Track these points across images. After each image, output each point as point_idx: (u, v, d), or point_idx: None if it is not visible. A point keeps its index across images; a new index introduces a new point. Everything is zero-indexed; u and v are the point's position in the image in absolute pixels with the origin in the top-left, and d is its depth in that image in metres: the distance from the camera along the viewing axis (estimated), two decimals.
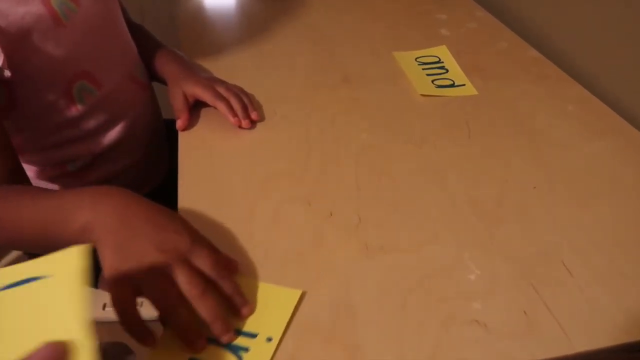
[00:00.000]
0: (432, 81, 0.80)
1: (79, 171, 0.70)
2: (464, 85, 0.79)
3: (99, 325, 0.78)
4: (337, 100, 0.75)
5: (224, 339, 0.43)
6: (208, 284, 0.43)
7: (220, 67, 0.82)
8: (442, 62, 0.85)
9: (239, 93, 0.69)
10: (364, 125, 0.70)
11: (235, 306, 0.44)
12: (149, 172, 0.80)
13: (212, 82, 0.69)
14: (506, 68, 0.85)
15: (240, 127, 0.67)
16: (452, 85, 0.79)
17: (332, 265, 0.50)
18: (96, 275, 0.73)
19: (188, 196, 0.57)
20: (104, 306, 0.76)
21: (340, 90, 0.78)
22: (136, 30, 0.78)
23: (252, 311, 0.45)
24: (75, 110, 0.63)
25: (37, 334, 0.28)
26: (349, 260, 0.51)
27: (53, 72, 0.59)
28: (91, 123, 0.67)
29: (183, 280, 0.42)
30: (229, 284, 0.44)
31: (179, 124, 0.66)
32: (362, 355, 0.43)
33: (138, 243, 0.42)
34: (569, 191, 0.60)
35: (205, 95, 0.67)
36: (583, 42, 0.86)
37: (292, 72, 0.82)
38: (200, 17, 1.00)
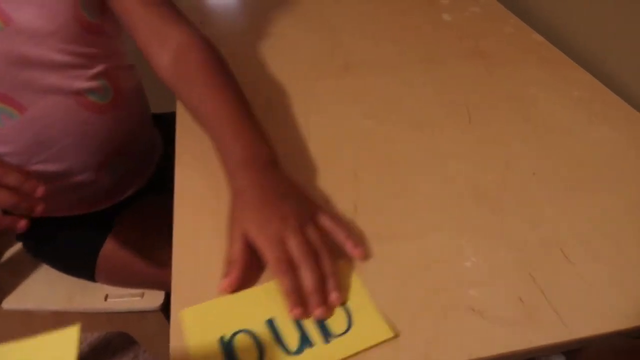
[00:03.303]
0: None
1: None
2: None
3: (101, 316, 0.79)
4: (338, 87, 0.74)
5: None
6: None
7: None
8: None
9: (321, 254, 0.45)
10: (363, 113, 0.69)
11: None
12: (128, 179, 0.76)
13: (284, 223, 0.45)
14: (510, 53, 0.83)
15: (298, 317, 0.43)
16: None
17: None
18: (92, 267, 0.73)
19: (185, 186, 0.57)
20: (106, 297, 0.77)
21: (341, 77, 0.77)
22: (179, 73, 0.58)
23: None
24: None
25: None
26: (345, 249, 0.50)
27: None
28: (12, 147, 0.62)
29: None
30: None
31: (225, 283, 0.44)
32: None
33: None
34: (572, 177, 0.59)
35: (264, 250, 0.44)
36: (588, 26, 0.84)
37: (294, 58, 0.81)
38: (200, 4, 0.99)
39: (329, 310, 0.43)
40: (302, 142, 0.64)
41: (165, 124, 0.85)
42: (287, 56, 0.81)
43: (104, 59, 0.65)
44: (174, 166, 0.60)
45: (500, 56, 0.82)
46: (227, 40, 0.86)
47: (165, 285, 0.74)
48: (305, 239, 0.45)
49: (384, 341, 0.41)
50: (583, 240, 0.51)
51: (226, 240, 0.48)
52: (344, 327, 0.42)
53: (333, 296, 0.43)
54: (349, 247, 0.47)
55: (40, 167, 0.64)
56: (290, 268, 0.43)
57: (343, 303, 0.44)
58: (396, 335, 0.42)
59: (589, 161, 0.61)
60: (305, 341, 0.41)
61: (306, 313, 0.42)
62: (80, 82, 0.62)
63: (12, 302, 0.77)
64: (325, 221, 0.48)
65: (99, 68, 0.64)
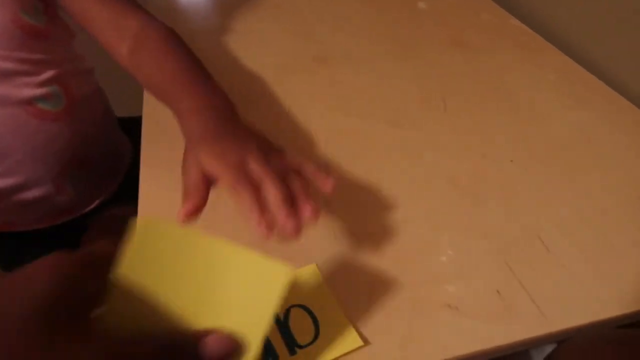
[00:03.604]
0: None
1: None
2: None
3: None
4: (311, 81, 0.72)
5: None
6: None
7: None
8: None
9: (290, 176, 0.40)
10: (337, 106, 0.67)
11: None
12: (92, 189, 0.74)
13: (243, 153, 0.41)
14: (486, 40, 0.81)
15: (268, 233, 0.36)
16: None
17: (299, 253, 0.48)
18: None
19: (150, 189, 0.55)
20: None
21: (315, 71, 0.75)
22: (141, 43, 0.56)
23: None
24: None
25: (225, 307, 0.30)
26: (317, 246, 0.48)
27: None
28: None
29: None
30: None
31: (181, 213, 0.38)
32: None
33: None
34: (551, 163, 0.57)
35: (221, 173, 0.39)
36: (566, 9, 0.83)
37: (266, 52, 0.79)
38: (170, 1, 0.96)
39: (301, 227, 0.36)
40: (274, 138, 0.61)
41: (136, 128, 0.82)
42: (260, 51, 0.79)
43: (53, 64, 0.62)
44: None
45: (477, 43, 0.81)
46: (199, 37, 0.84)
47: None
48: (269, 163, 0.40)
49: (353, 350, 0.39)
50: (562, 228, 0.49)
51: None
52: (311, 337, 0.40)
53: (307, 210, 0.37)
54: (319, 180, 0.41)
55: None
56: (252, 186, 0.37)
57: (309, 311, 0.42)
58: (365, 344, 0.40)
59: (568, 146, 0.60)
60: (269, 353, 0.39)
61: (273, 231, 0.36)
62: (28, 90, 0.59)
63: None
64: (293, 158, 0.43)
65: (48, 74, 0.61)
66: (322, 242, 0.48)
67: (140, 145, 0.62)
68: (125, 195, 0.76)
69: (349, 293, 0.44)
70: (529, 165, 0.57)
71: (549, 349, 0.77)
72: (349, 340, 0.40)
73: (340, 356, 0.39)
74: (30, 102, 0.59)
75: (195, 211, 0.39)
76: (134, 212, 0.56)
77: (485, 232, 0.49)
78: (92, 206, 0.73)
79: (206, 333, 0.28)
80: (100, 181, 0.74)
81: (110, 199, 0.75)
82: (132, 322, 0.28)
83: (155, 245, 0.30)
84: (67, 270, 0.27)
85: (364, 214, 0.51)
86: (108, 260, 0.29)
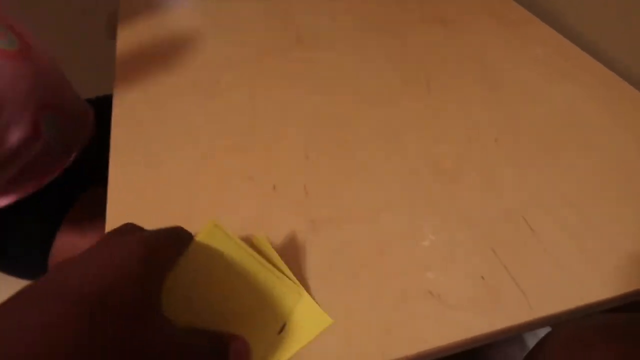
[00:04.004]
0: None
1: None
2: None
3: None
4: (289, 63, 0.69)
5: None
6: None
7: (161, 30, 0.75)
8: None
9: None
10: (315, 89, 0.64)
11: None
12: (66, 140, 0.74)
13: None
14: (469, 14, 0.79)
15: None
16: None
17: (276, 242, 0.46)
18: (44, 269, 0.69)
19: (120, 179, 0.52)
20: None
21: (293, 52, 0.72)
22: None
23: None
24: None
25: (245, 314, 0.34)
26: (294, 235, 0.46)
27: None
28: None
29: None
30: None
31: None
32: None
33: None
34: (537, 142, 0.56)
35: None
36: None
37: (241, 35, 0.76)
38: None
39: None
40: (249, 122, 0.59)
41: (96, 108, 0.81)
42: (235, 33, 0.76)
43: None
44: (105, 151, 0.55)
45: (460, 18, 0.78)
46: (171, 18, 0.80)
47: None
48: None
49: (331, 341, 0.38)
50: (548, 210, 0.48)
51: None
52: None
53: None
54: None
55: None
56: None
57: None
58: (344, 334, 0.38)
59: (555, 124, 0.58)
60: None
61: None
62: None
63: None
64: None
65: None
66: (299, 228, 0.47)
67: (99, 122, 0.61)
68: (88, 167, 0.76)
69: (327, 280, 0.42)
70: (514, 144, 0.55)
71: (542, 332, 0.76)
72: (318, 320, 0.38)
73: (314, 339, 0.37)
74: None
75: None
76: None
77: (469, 215, 0.47)
78: (69, 160, 0.73)
79: (234, 337, 0.31)
80: (71, 132, 0.75)
81: (91, 175, 0.74)
82: (178, 309, 0.30)
83: (212, 247, 0.33)
84: (157, 247, 0.29)
85: (342, 197, 0.49)
86: (183, 245, 0.32)
